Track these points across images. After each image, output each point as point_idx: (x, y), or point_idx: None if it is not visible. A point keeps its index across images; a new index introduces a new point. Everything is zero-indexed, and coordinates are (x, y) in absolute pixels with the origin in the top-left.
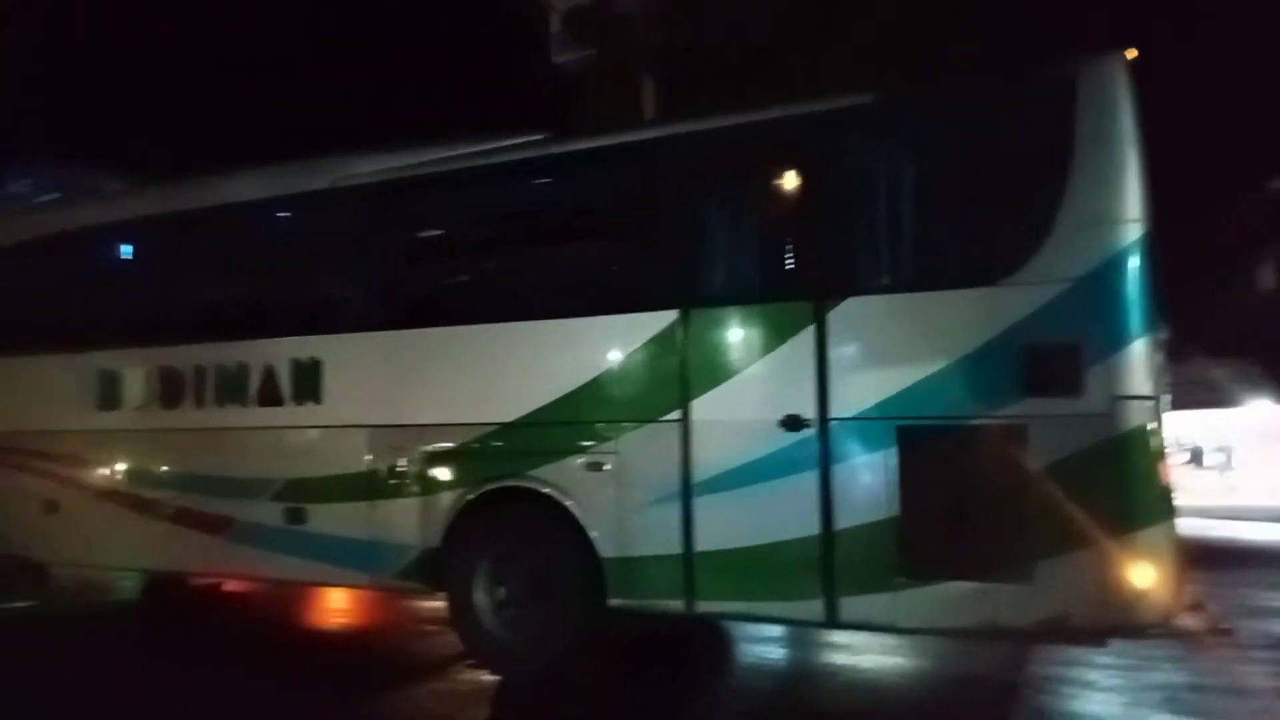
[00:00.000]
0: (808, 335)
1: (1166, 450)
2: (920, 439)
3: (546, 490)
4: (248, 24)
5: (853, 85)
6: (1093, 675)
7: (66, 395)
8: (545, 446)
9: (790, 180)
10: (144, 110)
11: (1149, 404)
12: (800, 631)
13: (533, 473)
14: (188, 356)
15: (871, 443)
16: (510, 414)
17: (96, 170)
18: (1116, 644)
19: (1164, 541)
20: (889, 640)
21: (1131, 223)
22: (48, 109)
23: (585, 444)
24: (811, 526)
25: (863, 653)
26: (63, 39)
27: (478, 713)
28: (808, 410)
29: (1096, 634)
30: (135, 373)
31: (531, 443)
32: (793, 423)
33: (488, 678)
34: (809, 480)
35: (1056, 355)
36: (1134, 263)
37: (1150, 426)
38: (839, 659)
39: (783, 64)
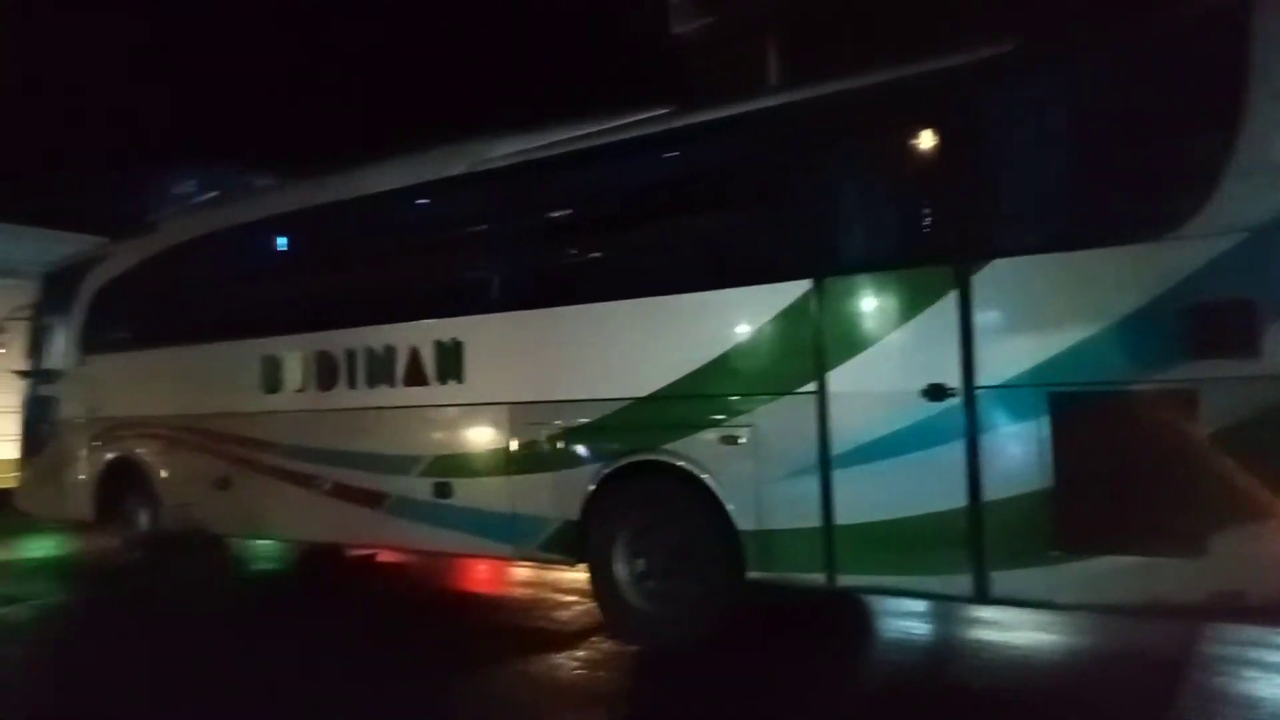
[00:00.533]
0: (950, 301)
1: None
2: (1076, 406)
3: (681, 464)
4: (382, 20)
5: (991, 35)
6: (1275, 657)
7: (234, 380)
8: (680, 420)
9: (929, 139)
10: (293, 108)
11: None
12: (946, 607)
13: (668, 446)
14: (340, 341)
15: (1022, 411)
16: (645, 389)
17: (251, 169)
18: None
19: None
20: (1042, 616)
21: None
22: (206, 114)
23: (720, 417)
24: (958, 498)
25: (1013, 629)
26: (213, 47)
27: (618, 682)
28: (952, 379)
29: (1277, 613)
30: (293, 358)
31: (666, 417)
32: (936, 392)
33: (628, 648)
34: (955, 451)
35: (1229, 314)
36: None
37: None
38: (988, 635)
39: (912, 19)
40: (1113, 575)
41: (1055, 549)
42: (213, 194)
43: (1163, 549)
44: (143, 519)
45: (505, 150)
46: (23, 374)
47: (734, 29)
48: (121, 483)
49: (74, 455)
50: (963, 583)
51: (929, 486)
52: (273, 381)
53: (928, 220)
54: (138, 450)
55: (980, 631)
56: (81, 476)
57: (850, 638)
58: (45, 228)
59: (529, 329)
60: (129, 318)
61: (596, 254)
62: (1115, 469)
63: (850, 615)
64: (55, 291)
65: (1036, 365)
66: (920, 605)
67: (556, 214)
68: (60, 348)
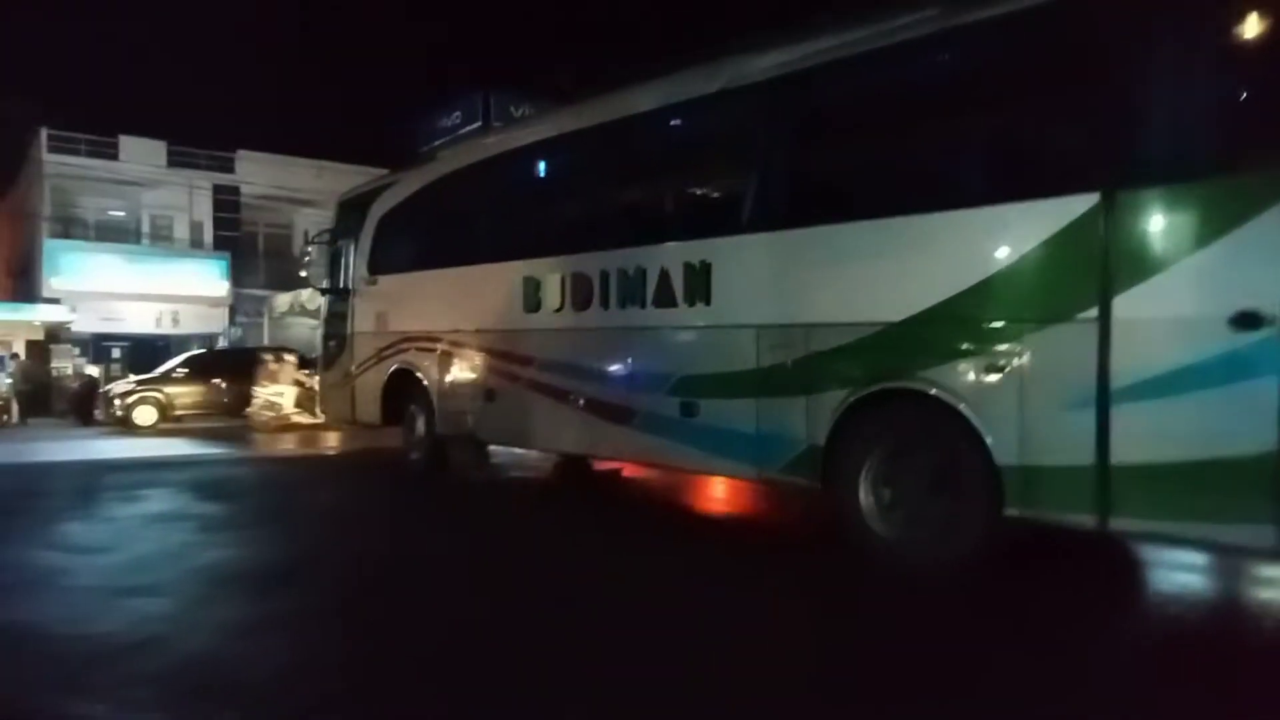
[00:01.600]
0: (1274, 216)
1: None
2: None
3: (936, 393)
4: None
5: None
6: None
7: (500, 299)
8: (939, 347)
9: (1254, 24)
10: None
11: None
12: (1229, 562)
13: (924, 374)
14: (594, 263)
15: None
16: (902, 312)
17: (512, 99)
18: None
19: None
20: None
21: None
22: (468, 48)
23: (983, 344)
24: (1265, 442)
25: None
26: None
27: (855, 603)
28: (1270, 305)
29: None
30: (552, 279)
31: (924, 343)
32: (1249, 319)
33: (875, 573)
34: (1269, 387)
35: None
36: None
37: None
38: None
39: None
40: None
41: None
42: (474, 125)
43: None
44: (420, 424)
45: (761, 65)
46: (323, 291)
47: None
48: (403, 391)
49: (363, 365)
50: (1263, 534)
51: (1233, 426)
52: (533, 301)
53: (1246, 121)
54: (417, 362)
55: (1273, 592)
56: (369, 384)
57: (1117, 588)
58: (334, 160)
59: (777, 251)
60: (410, 241)
61: (856, 170)
62: None
63: (1115, 563)
64: (347, 218)
65: None
66: (1196, 558)
67: (808, 130)
68: (352, 269)
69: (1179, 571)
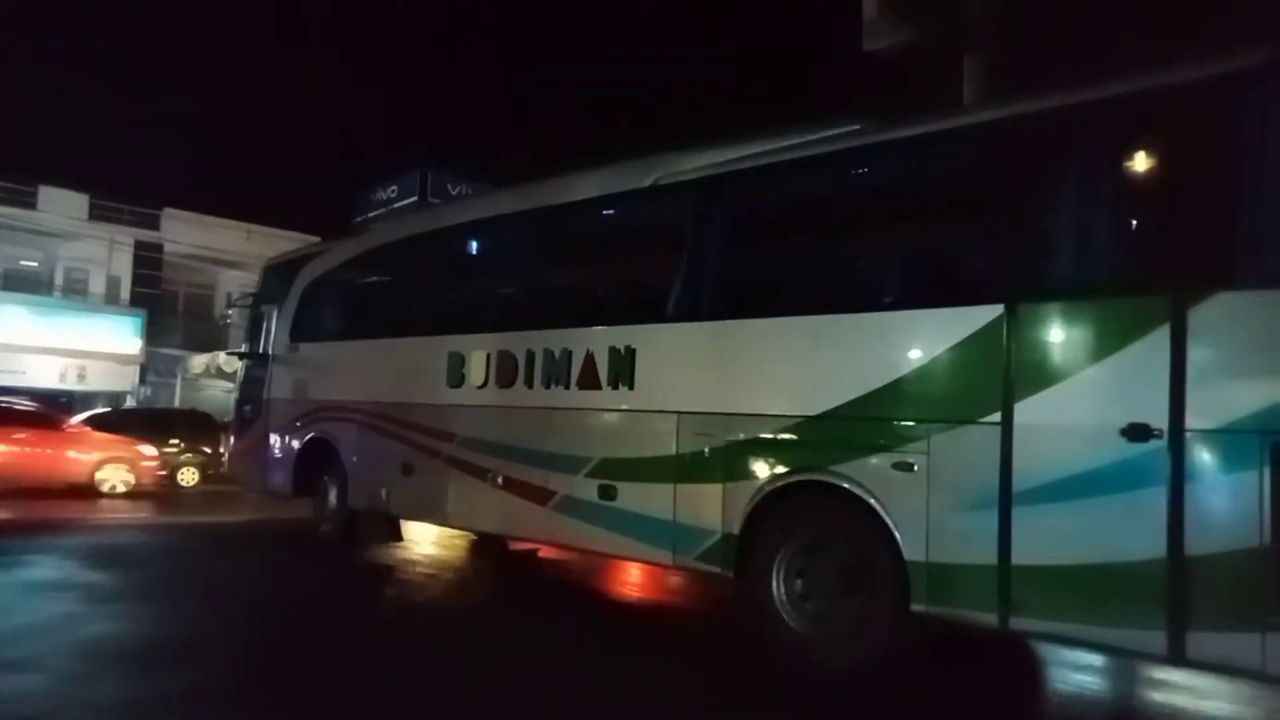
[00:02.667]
0: (1161, 335)
1: None
2: None
3: (849, 486)
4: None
5: (1213, 47)
6: None
7: (423, 373)
8: (852, 442)
9: (1147, 160)
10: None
11: None
12: (1128, 665)
13: (837, 467)
14: (520, 342)
15: (1238, 458)
16: (818, 407)
17: (446, 174)
18: None
19: None
20: (1245, 688)
21: None
22: (412, 124)
23: (895, 442)
24: (1158, 548)
25: (1209, 697)
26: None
27: (769, 704)
28: (1157, 418)
29: None
30: (477, 355)
31: (838, 437)
32: (1138, 431)
33: (782, 668)
34: (1156, 496)
35: None
36: None
37: None
38: (1179, 700)
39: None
40: None
41: (1273, 614)
42: (410, 199)
43: None
44: (333, 496)
45: (694, 163)
46: (241, 355)
47: (929, 45)
48: (317, 461)
49: (278, 433)
50: (1156, 640)
51: (1125, 533)
52: (457, 376)
53: (1143, 247)
54: (334, 432)
55: (1170, 695)
56: (283, 452)
57: (1018, 688)
58: (264, 225)
59: (702, 340)
60: (336, 310)
61: (775, 270)
62: None
63: (1018, 662)
64: (273, 283)
65: (1259, 410)
66: (1097, 660)
67: (736, 228)
68: (274, 334)
69: (1080, 671)
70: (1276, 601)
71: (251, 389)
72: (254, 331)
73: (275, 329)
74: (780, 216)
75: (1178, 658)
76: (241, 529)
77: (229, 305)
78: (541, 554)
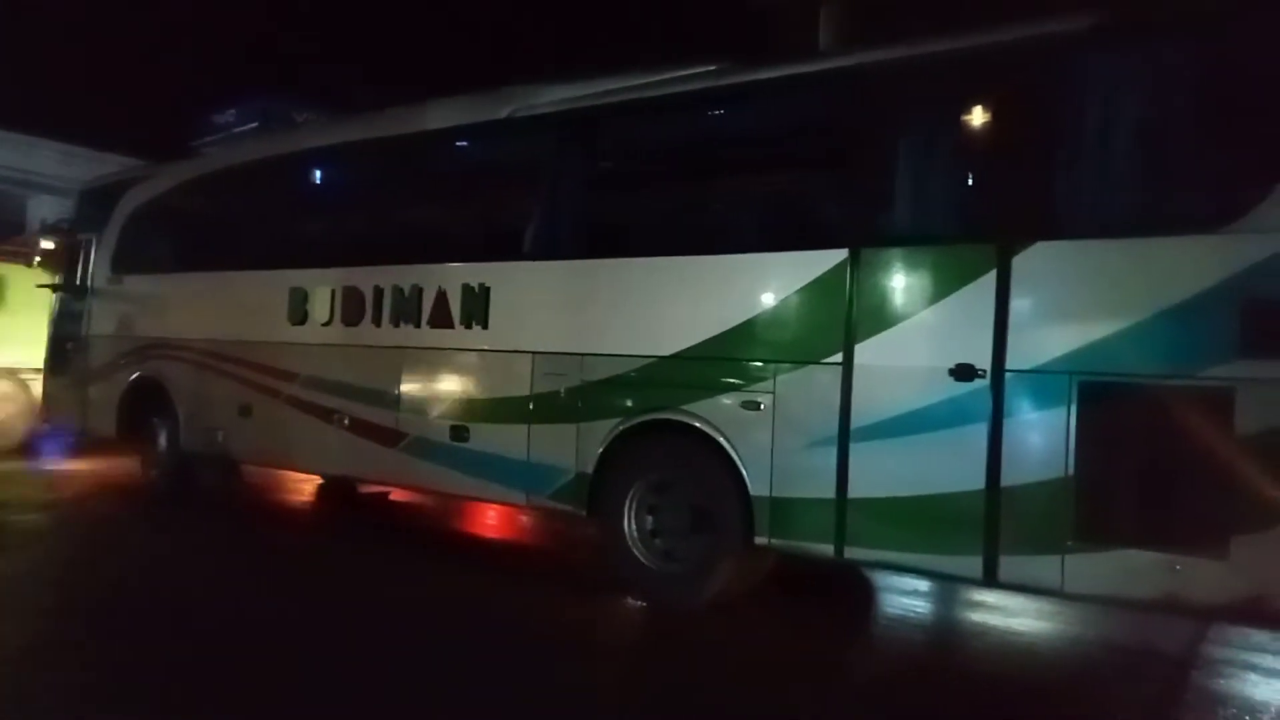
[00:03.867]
0: (988, 281)
1: None
2: (1107, 397)
3: (699, 425)
4: None
5: (1062, 9)
6: (1277, 663)
7: (261, 309)
8: (702, 382)
9: (984, 114)
10: (337, 44)
11: None
12: (950, 588)
13: (688, 407)
14: (368, 278)
15: (1050, 397)
16: (669, 347)
17: (292, 102)
18: None
19: None
20: (1047, 604)
21: None
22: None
23: (742, 382)
24: (976, 481)
25: (1017, 615)
26: None
27: (619, 637)
28: (982, 359)
29: None
30: (321, 291)
31: (689, 377)
32: (964, 372)
33: (634, 603)
34: (977, 432)
35: (1278, 313)
36: None
37: None
38: (992, 619)
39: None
40: (1129, 569)
41: (1072, 539)
42: (252, 125)
43: (1185, 547)
44: (163, 440)
45: (550, 98)
46: (54, 288)
47: None
48: (145, 402)
49: (99, 371)
50: (973, 565)
51: (948, 467)
52: (299, 313)
53: (974, 197)
54: (164, 371)
55: (984, 615)
56: (106, 393)
57: (852, 612)
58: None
59: (556, 280)
60: (164, 240)
61: (630, 209)
62: (1142, 463)
63: (852, 590)
64: (91, 210)
65: (1070, 352)
66: (924, 585)
67: (595, 165)
68: (93, 265)
69: (906, 596)
70: (1075, 528)
71: (68, 324)
72: (70, 262)
73: (95, 259)
74: (634, 155)
75: (991, 580)
76: (57, 474)
77: (39, 232)
78: (393, 496)
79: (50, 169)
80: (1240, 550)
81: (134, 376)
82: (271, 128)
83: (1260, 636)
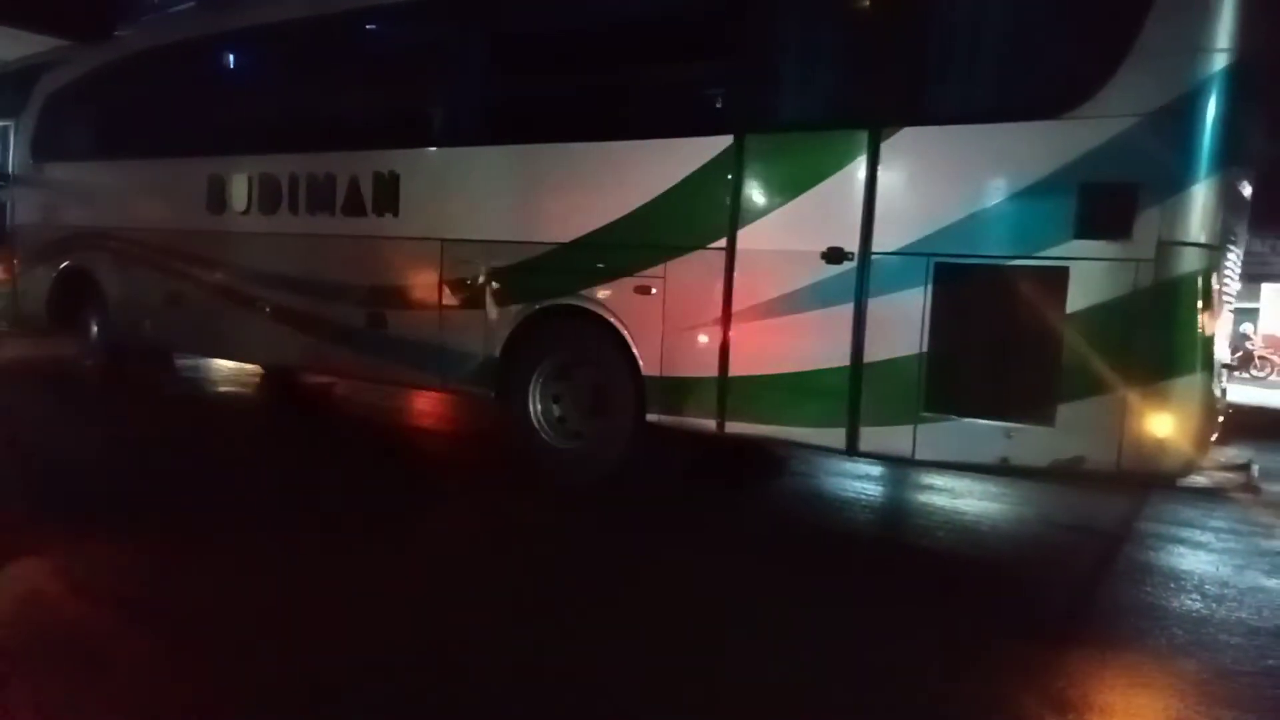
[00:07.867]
0: (859, 165)
1: (1221, 304)
2: (955, 277)
3: (597, 310)
4: None
5: None
6: (1205, 537)
7: (181, 196)
8: (600, 268)
9: (855, 3)
10: None
11: (1202, 252)
12: (900, 473)
13: (587, 292)
14: (283, 166)
15: (908, 279)
16: (570, 234)
17: None
18: (1239, 509)
19: (1192, 393)
20: (992, 486)
21: (1218, 51)
22: None
23: (637, 267)
24: (841, 358)
25: (963, 496)
26: None
27: (533, 516)
28: (850, 243)
29: (1114, 479)
30: (239, 179)
31: (588, 264)
32: (834, 255)
33: (541, 484)
34: (844, 313)
35: (1110, 196)
36: (1214, 97)
37: (1198, 276)
38: (938, 500)
39: None
40: (970, 436)
41: (924, 410)
42: (186, 4)
43: (1018, 415)
44: (94, 329)
45: None
46: None
47: None
48: (75, 292)
49: (29, 261)
50: (836, 436)
51: (817, 346)
52: (218, 201)
53: (849, 83)
54: (91, 260)
55: (932, 497)
56: (36, 284)
57: (813, 495)
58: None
59: (462, 167)
60: (85, 127)
61: (530, 94)
62: (984, 339)
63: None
64: (7, 95)
65: (926, 235)
66: (875, 469)
67: (494, 48)
68: (12, 153)
69: (859, 480)
70: (925, 400)
71: None
72: None
73: (15, 147)
74: (532, 39)
75: (853, 449)
76: None
77: None
78: (338, 389)
79: None
80: (1065, 416)
81: (63, 265)
82: (194, 11)
83: (1189, 512)
